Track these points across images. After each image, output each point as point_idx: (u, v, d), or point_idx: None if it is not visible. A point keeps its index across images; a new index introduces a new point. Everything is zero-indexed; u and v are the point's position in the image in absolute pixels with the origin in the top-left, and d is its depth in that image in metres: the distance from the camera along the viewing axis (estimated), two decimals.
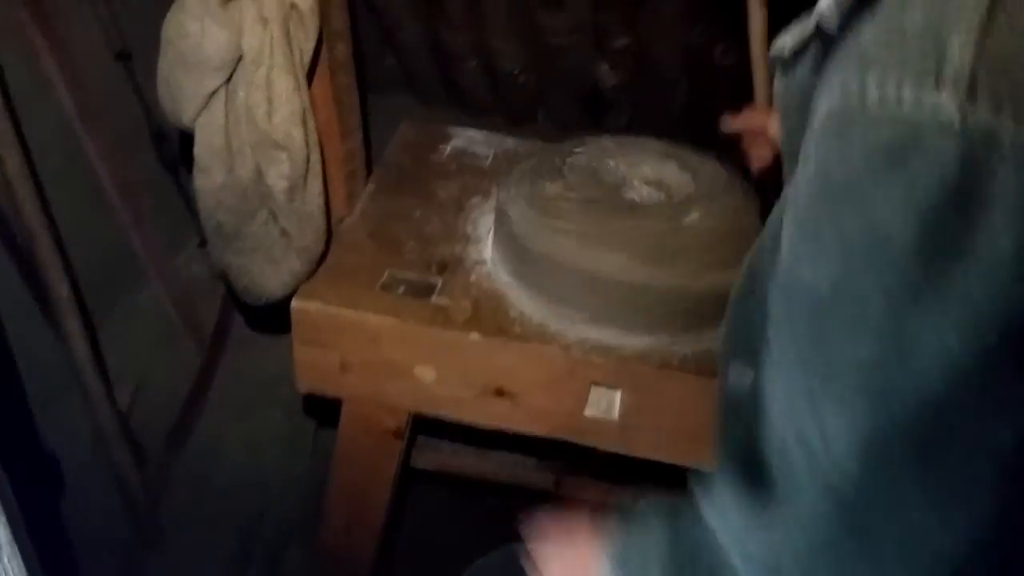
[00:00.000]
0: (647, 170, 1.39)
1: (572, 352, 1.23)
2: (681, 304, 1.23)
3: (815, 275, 0.53)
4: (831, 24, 0.58)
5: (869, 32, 0.52)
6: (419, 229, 1.43)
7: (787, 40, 0.69)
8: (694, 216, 1.26)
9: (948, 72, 0.46)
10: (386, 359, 1.29)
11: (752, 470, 0.62)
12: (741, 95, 1.97)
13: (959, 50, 0.46)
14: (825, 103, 0.53)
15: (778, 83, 0.74)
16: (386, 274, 1.33)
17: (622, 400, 1.26)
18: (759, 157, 1.20)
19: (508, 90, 2.08)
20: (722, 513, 0.66)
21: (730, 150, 1.30)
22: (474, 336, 1.25)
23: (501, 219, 1.33)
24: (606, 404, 1.28)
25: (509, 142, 1.65)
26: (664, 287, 1.21)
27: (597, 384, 1.26)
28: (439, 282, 1.32)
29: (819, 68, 0.61)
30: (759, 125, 1.19)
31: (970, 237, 0.46)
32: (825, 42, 0.60)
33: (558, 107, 2.14)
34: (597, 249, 1.23)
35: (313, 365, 1.32)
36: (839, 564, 0.56)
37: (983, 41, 0.46)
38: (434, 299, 1.30)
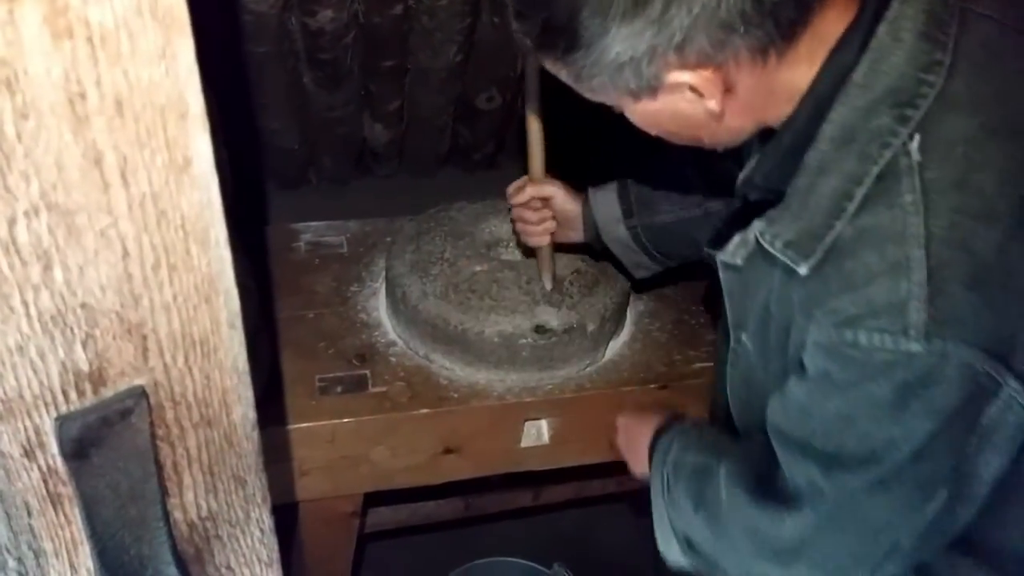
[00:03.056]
0: (509, 229, 1.62)
1: (506, 400, 1.46)
2: (576, 339, 1.49)
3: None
4: (801, 265, 0.83)
5: (836, 287, 0.79)
6: (320, 329, 1.55)
7: (735, 253, 0.96)
8: (561, 264, 1.52)
9: (912, 333, 0.75)
10: (342, 455, 1.43)
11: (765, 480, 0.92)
12: (502, 132, 2.26)
13: (915, 315, 0.75)
14: (822, 335, 0.82)
15: (724, 277, 1.02)
16: (317, 379, 1.45)
17: (550, 426, 1.51)
18: (544, 226, 1.41)
19: (280, 160, 2.19)
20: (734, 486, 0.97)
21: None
22: (422, 411, 1.42)
23: (400, 303, 1.51)
24: (536, 433, 1.52)
25: (353, 225, 1.80)
26: (560, 330, 1.47)
27: (528, 419, 1.49)
28: (367, 373, 1.47)
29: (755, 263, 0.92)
30: (546, 194, 1.38)
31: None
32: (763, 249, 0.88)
33: (329, 167, 2.29)
34: (498, 313, 1.45)
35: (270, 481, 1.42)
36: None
37: (931, 307, 0.74)
38: (371, 389, 1.45)
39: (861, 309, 0.77)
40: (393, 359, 1.50)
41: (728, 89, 0.82)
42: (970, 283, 0.74)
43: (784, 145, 0.85)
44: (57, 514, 0.56)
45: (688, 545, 1.05)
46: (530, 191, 1.38)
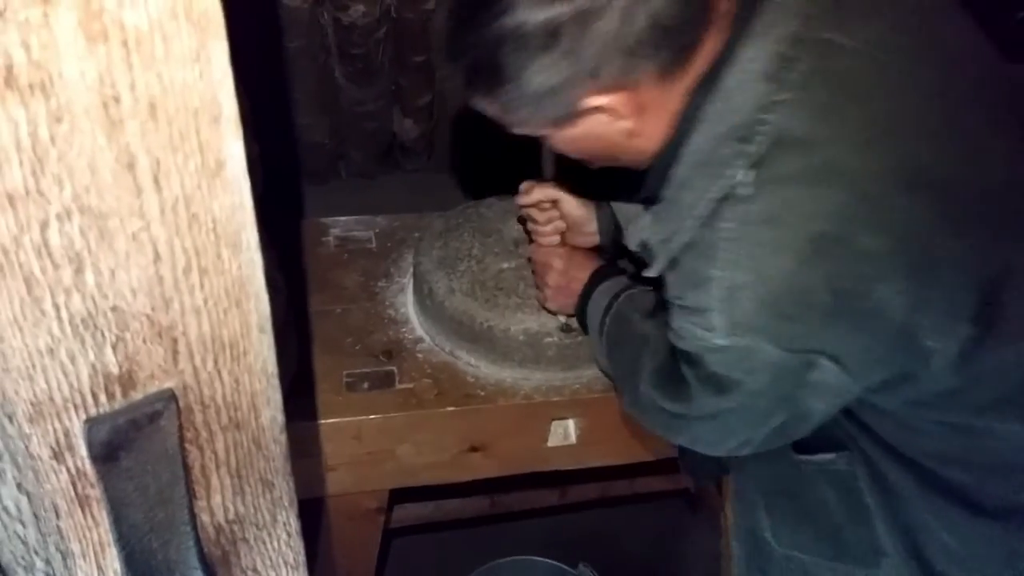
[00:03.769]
0: None
1: (533, 399, 1.45)
2: None
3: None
4: (654, 267, 0.99)
5: (676, 284, 0.95)
6: (347, 324, 1.55)
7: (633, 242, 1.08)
8: None
9: (718, 332, 0.89)
10: (368, 451, 1.43)
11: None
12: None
13: (716, 320, 0.88)
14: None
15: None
16: (344, 375, 1.45)
17: (576, 425, 1.50)
18: (553, 226, 1.40)
19: (310, 155, 2.19)
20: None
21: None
22: (448, 409, 1.42)
23: (428, 299, 1.50)
24: (563, 432, 1.51)
25: (381, 221, 1.79)
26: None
27: (556, 419, 1.48)
28: (394, 369, 1.47)
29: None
30: (552, 196, 1.38)
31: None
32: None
33: (358, 161, 2.29)
34: (525, 311, 1.45)
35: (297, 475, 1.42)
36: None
37: (728, 317, 0.87)
38: (398, 386, 1.44)
39: (684, 303, 0.93)
40: (420, 356, 1.50)
41: (640, 110, 0.92)
42: (759, 303, 0.86)
43: (663, 160, 0.96)
44: (85, 516, 0.55)
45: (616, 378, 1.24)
46: (537, 194, 1.38)
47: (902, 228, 0.84)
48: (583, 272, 1.34)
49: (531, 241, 1.48)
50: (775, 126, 0.84)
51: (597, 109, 0.91)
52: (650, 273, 1.00)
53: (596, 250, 1.40)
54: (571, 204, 1.39)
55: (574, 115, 0.93)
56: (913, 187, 0.84)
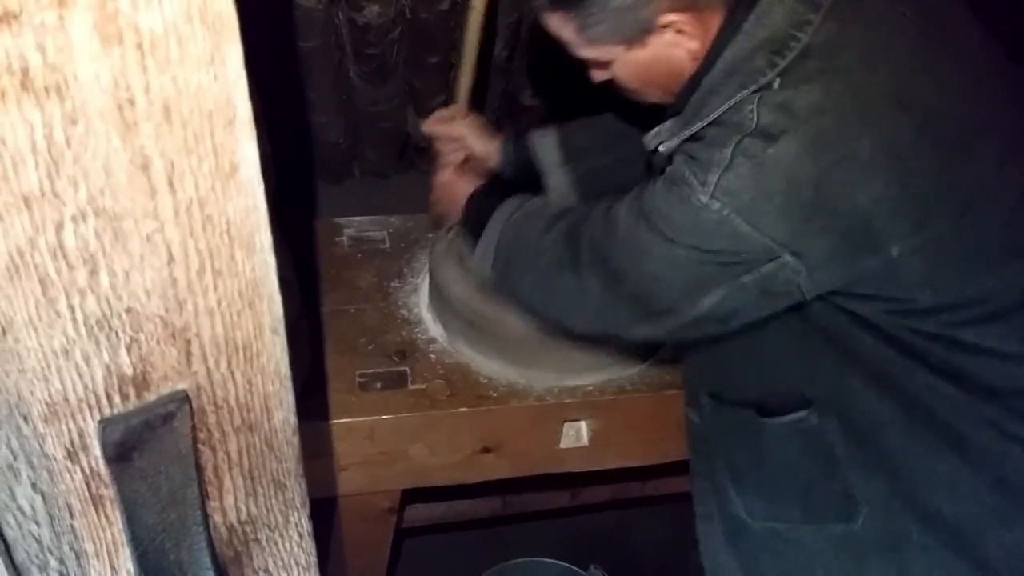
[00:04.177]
0: None
1: (545, 401, 1.44)
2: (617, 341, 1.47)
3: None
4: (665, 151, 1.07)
5: (687, 152, 1.01)
6: (361, 324, 1.55)
7: (649, 142, 1.12)
8: None
9: (707, 188, 0.95)
10: (380, 451, 1.43)
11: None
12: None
13: (712, 176, 0.95)
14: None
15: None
16: (357, 375, 1.45)
17: (589, 427, 1.50)
18: (450, 159, 1.49)
19: (324, 154, 2.20)
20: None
21: None
22: (461, 410, 1.42)
23: (441, 299, 1.50)
24: (575, 434, 1.51)
25: (395, 220, 1.80)
26: None
27: (568, 421, 1.48)
28: (407, 370, 1.47)
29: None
30: (456, 133, 1.49)
31: None
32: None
33: (372, 161, 2.29)
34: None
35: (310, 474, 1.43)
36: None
37: (723, 177, 0.94)
38: (410, 386, 1.45)
39: (693, 155, 0.98)
40: (433, 356, 1.50)
41: (704, 32, 1.01)
42: (754, 174, 0.93)
43: (696, 77, 1.03)
44: (99, 516, 0.56)
45: (502, 265, 1.28)
46: (440, 128, 1.49)
47: (892, 140, 0.93)
48: (471, 182, 1.43)
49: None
50: (803, 42, 0.94)
51: (669, 27, 1.01)
52: (663, 143, 1.07)
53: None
54: (474, 139, 1.49)
55: (648, 31, 1.02)
56: (905, 107, 0.94)
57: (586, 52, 1.08)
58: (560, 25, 1.06)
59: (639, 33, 1.02)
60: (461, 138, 1.49)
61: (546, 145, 1.49)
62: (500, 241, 1.28)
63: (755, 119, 0.93)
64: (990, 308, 0.99)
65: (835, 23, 0.95)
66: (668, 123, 1.09)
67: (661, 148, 1.07)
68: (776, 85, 0.94)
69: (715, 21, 1.00)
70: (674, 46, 1.03)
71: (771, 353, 1.12)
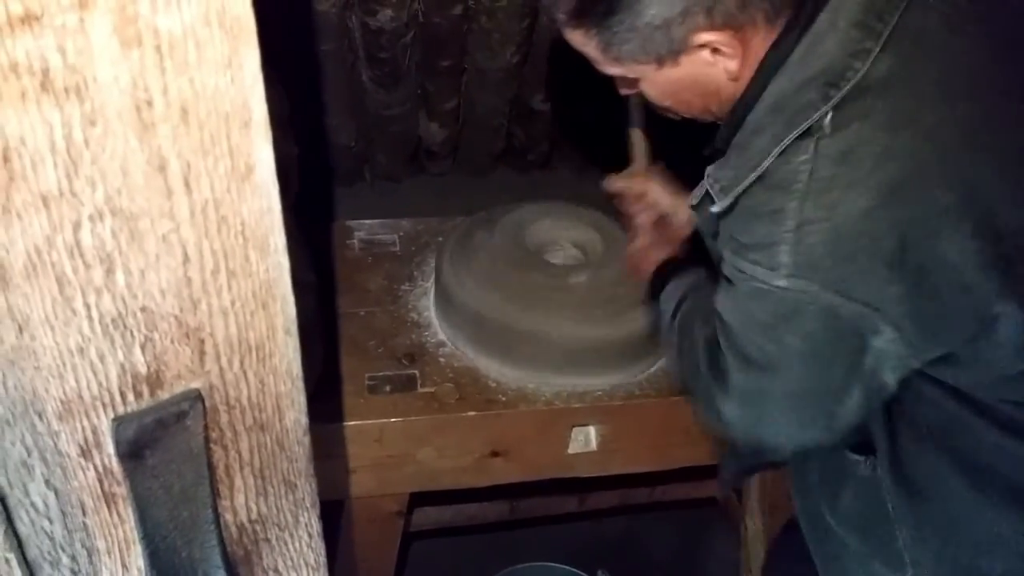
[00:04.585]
0: (560, 232, 1.62)
1: (554, 405, 1.44)
2: (626, 346, 1.48)
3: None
4: (718, 204, 0.96)
5: (737, 221, 0.94)
6: (371, 327, 1.56)
7: (695, 196, 1.04)
8: (613, 270, 1.51)
9: (781, 271, 0.87)
10: (389, 454, 1.43)
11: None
12: (557, 133, 2.26)
13: (783, 256, 0.87)
14: (727, 259, 0.96)
15: (695, 216, 1.09)
16: (367, 377, 1.46)
17: (597, 432, 1.50)
18: (639, 219, 1.40)
19: (336, 158, 2.21)
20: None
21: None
22: (469, 413, 1.42)
23: (450, 303, 1.50)
24: (584, 439, 1.51)
25: (406, 224, 1.80)
26: (612, 337, 1.45)
27: (576, 425, 1.48)
28: (416, 373, 1.47)
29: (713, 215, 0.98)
30: (639, 191, 1.41)
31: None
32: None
33: (384, 164, 2.30)
34: (548, 317, 1.44)
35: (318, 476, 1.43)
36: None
37: (795, 252, 0.86)
38: (420, 389, 1.45)
39: (747, 240, 0.91)
40: (442, 360, 1.50)
41: (745, 52, 0.92)
42: (827, 240, 0.85)
43: (737, 112, 0.96)
44: (111, 513, 0.56)
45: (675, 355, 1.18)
46: (620, 184, 1.40)
47: (971, 184, 0.84)
48: (663, 249, 1.33)
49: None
50: (861, 73, 0.85)
51: (704, 47, 0.92)
52: (714, 209, 0.97)
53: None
54: (658, 192, 1.39)
55: (680, 51, 0.93)
56: (984, 147, 0.86)
57: (612, 70, 1.00)
58: (583, 42, 0.97)
59: (671, 53, 0.93)
60: (646, 195, 1.39)
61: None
62: (672, 333, 1.19)
63: (809, 173, 0.85)
64: None
65: (896, 53, 0.85)
66: (711, 170, 0.99)
67: (714, 208, 0.97)
68: (828, 124, 0.85)
69: (757, 40, 0.91)
70: (711, 65, 0.94)
71: None
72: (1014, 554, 0.99)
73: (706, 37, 0.90)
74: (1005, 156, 0.86)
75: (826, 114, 0.85)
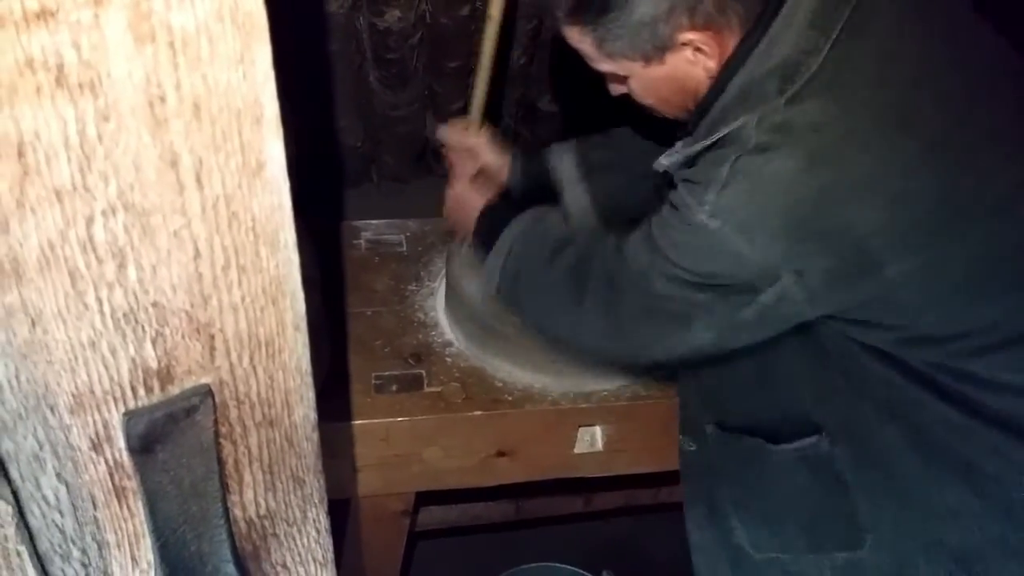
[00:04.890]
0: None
1: (560, 405, 1.45)
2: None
3: None
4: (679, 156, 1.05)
5: (687, 173, 1.02)
6: (377, 327, 1.56)
7: (658, 164, 1.10)
8: None
9: (706, 208, 0.95)
10: (395, 453, 1.44)
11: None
12: (563, 134, 2.26)
13: (711, 195, 0.95)
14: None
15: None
16: (373, 377, 1.46)
17: (603, 433, 1.50)
18: (460, 167, 1.49)
19: (343, 158, 2.21)
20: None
21: None
22: (475, 413, 1.42)
23: (457, 303, 1.51)
24: (590, 439, 1.51)
25: (412, 224, 1.81)
26: None
27: (582, 426, 1.48)
28: (423, 372, 1.48)
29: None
30: (471, 144, 1.48)
31: None
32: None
33: (391, 165, 2.30)
34: None
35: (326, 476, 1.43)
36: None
37: (720, 196, 0.94)
38: (426, 389, 1.45)
39: (690, 177, 0.99)
40: (449, 360, 1.51)
41: (721, 52, 1.00)
42: (750, 188, 0.93)
43: (707, 99, 1.02)
44: (121, 507, 0.57)
45: (509, 283, 1.29)
46: (455, 139, 1.49)
47: (891, 161, 0.92)
48: (484, 195, 1.42)
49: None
50: (813, 69, 0.92)
51: (688, 45, 1.00)
52: (664, 160, 1.07)
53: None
54: (487, 152, 1.48)
55: (665, 49, 1.01)
56: (909, 128, 0.93)
57: (604, 66, 1.08)
58: (579, 38, 1.05)
59: (658, 50, 1.01)
60: (474, 149, 1.49)
61: (565, 160, 1.49)
62: (508, 259, 1.28)
63: (753, 137, 0.93)
64: (998, 337, 0.98)
65: (844, 48, 0.93)
66: (677, 145, 1.08)
67: (666, 166, 1.07)
68: (781, 105, 0.93)
69: (732, 41, 1.00)
70: (692, 64, 1.02)
71: (782, 379, 1.12)
72: (970, 526, 1.04)
73: (689, 36, 0.99)
74: (934, 132, 0.93)
75: (780, 101, 0.93)
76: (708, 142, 0.99)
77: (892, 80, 0.95)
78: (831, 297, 0.97)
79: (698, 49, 1.00)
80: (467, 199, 1.44)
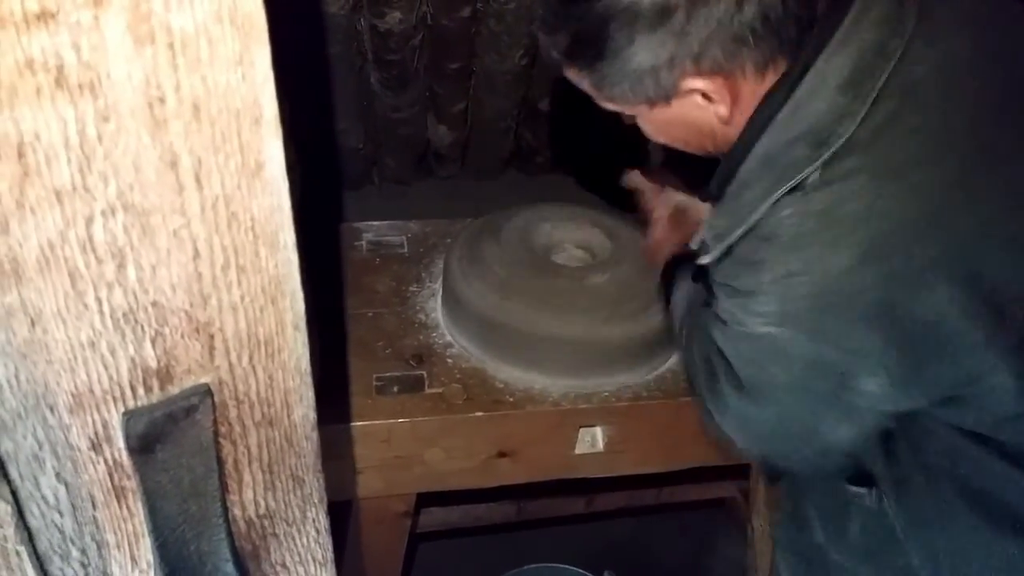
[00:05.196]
0: (566, 234, 1.62)
1: (561, 406, 1.45)
2: (633, 348, 1.48)
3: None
4: (709, 258, 0.99)
5: (729, 268, 0.96)
6: (380, 328, 1.56)
7: (695, 240, 1.05)
8: (620, 271, 1.52)
9: (760, 320, 0.92)
10: (396, 455, 1.44)
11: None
12: (565, 136, 2.26)
13: (764, 307, 0.91)
14: (720, 302, 1.00)
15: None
16: (374, 378, 1.46)
17: (604, 433, 1.50)
18: (657, 211, 1.42)
19: (344, 160, 2.22)
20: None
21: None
22: (477, 414, 1.43)
23: (458, 304, 1.51)
24: (591, 440, 1.51)
25: (414, 226, 1.81)
26: (619, 338, 1.46)
27: (583, 426, 1.49)
28: (424, 374, 1.48)
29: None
30: (656, 185, 1.44)
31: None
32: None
33: (392, 167, 2.30)
34: (555, 317, 1.45)
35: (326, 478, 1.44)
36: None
37: (777, 303, 0.89)
38: (427, 390, 1.45)
39: (736, 285, 0.94)
40: (450, 361, 1.51)
41: (735, 98, 0.92)
42: (810, 293, 0.87)
43: (730, 163, 0.96)
44: (121, 507, 0.57)
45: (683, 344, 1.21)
46: (638, 179, 1.44)
47: (956, 239, 0.85)
48: (678, 243, 1.33)
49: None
50: (845, 137, 0.85)
51: (694, 92, 0.92)
52: (703, 261, 1.00)
53: None
54: (677, 191, 1.41)
55: (670, 96, 0.94)
56: (966, 204, 0.85)
57: (607, 105, 1.01)
58: (578, 79, 0.99)
59: (660, 96, 0.94)
60: (663, 190, 1.41)
61: None
62: (681, 339, 1.22)
63: (795, 227, 0.87)
64: None
65: (886, 109, 0.85)
66: (707, 218, 1.02)
67: (708, 263, 1.00)
68: (816, 179, 0.86)
69: (747, 88, 0.92)
70: (702, 109, 0.95)
71: None
72: None
73: (695, 84, 0.91)
74: (993, 209, 0.86)
75: (815, 171, 0.86)
76: (744, 228, 0.92)
77: (945, 144, 0.87)
78: (915, 387, 0.91)
79: (706, 96, 0.93)
80: (663, 246, 1.37)
